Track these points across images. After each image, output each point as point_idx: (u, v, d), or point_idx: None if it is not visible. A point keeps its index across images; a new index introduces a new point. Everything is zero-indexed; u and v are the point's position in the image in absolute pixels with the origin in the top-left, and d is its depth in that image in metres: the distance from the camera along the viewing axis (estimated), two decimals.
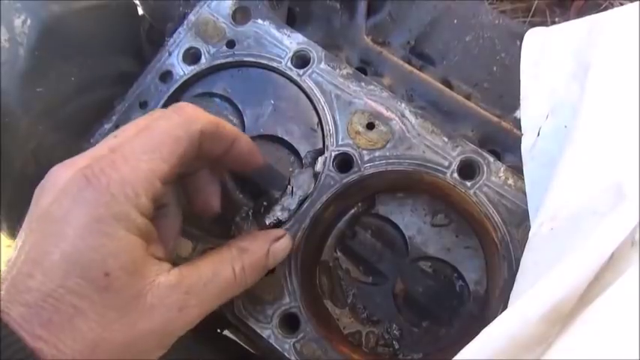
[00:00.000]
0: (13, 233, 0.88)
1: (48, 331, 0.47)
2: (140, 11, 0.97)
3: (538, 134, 0.67)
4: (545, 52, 0.73)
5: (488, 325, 0.45)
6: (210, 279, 0.56)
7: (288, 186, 0.73)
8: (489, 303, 0.69)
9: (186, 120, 0.56)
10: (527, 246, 0.59)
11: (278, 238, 0.65)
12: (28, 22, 0.73)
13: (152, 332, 0.51)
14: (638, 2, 0.66)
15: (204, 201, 0.65)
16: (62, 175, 0.51)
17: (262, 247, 0.63)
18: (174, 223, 0.61)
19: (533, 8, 1.54)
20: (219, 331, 0.94)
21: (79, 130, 0.83)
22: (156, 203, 0.53)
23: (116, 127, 0.81)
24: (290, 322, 0.69)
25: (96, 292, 0.48)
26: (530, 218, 0.63)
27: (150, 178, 0.52)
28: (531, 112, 0.70)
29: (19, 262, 0.49)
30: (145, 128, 0.55)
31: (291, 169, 0.75)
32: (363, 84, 0.74)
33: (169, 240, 0.60)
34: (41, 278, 0.48)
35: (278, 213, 0.72)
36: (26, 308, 0.47)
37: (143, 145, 0.53)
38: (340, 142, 0.72)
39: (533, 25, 0.97)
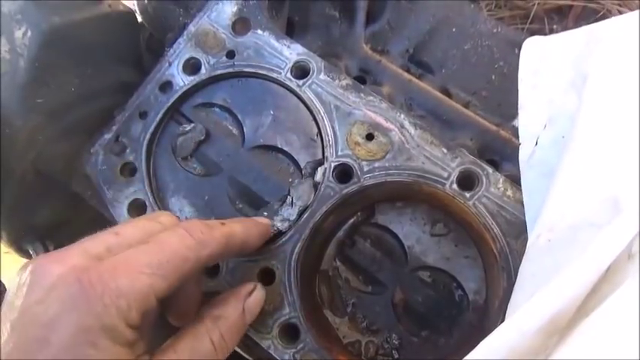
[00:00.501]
0: (12, 241, 0.88)
1: None
2: (140, 20, 0.97)
3: (536, 144, 0.68)
4: (544, 62, 0.73)
5: (487, 337, 0.46)
6: (188, 354, 0.55)
7: (288, 197, 0.73)
8: (488, 313, 0.70)
9: (198, 243, 0.56)
10: (524, 257, 0.59)
11: (250, 293, 0.64)
12: (29, 33, 0.74)
13: None
14: (635, 12, 0.66)
15: (183, 312, 0.62)
16: (53, 271, 0.49)
17: (236, 308, 0.62)
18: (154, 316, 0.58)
19: (532, 15, 1.55)
20: None
21: (79, 140, 0.84)
22: (146, 316, 0.52)
23: (116, 137, 0.81)
24: (290, 333, 0.69)
25: None
26: (528, 227, 0.63)
27: (147, 293, 0.51)
28: (529, 121, 0.70)
29: None
30: (153, 240, 0.54)
31: (290, 180, 0.75)
32: (362, 95, 0.74)
33: (149, 328, 0.57)
34: None
35: (278, 224, 0.72)
36: None
37: (150, 258, 0.52)
38: (340, 153, 0.72)
39: (531, 31, 0.97)
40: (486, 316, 0.71)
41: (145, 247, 0.53)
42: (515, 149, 0.72)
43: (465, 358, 0.46)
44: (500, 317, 0.64)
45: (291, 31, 0.93)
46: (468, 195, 0.68)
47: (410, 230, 0.76)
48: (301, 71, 0.77)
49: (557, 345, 0.45)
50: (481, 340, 0.47)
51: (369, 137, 0.72)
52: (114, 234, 0.55)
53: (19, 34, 0.73)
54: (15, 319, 0.48)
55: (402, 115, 0.73)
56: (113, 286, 0.49)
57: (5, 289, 0.70)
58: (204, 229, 0.58)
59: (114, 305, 0.48)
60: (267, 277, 0.71)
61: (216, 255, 0.58)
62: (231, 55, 0.80)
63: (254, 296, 0.64)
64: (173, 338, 0.57)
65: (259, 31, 0.80)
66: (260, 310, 0.65)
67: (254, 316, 0.64)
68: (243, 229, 0.63)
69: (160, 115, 0.80)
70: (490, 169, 0.69)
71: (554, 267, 0.51)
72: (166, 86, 0.82)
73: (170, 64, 0.82)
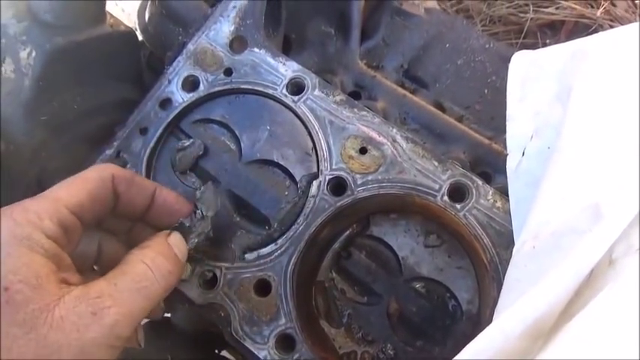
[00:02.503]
0: None
1: None
2: (140, 38, 1.00)
3: (523, 154, 0.69)
4: (531, 75, 0.75)
5: (472, 341, 0.47)
6: (121, 278, 0.56)
7: (197, 211, 0.70)
8: (481, 322, 0.71)
9: (98, 166, 0.64)
10: (510, 263, 0.61)
11: (169, 234, 0.65)
12: (33, 54, 0.76)
13: (67, 343, 0.49)
14: (620, 28, 0.68)
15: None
16: None
17: (160, 241, 0.63)
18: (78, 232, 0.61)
19: (525, 30, 1.57)
20: (217, 351, 0.96)
21: (81, 156, 0.86)
22: (65, 228, 0.56)
23: (117, 152, 0.83)
24: (286, 343, 0.71)
25: None
26: (514, 236, 0.65)
27: (54, 204, 0.56)
28: (517, 132, 0.72)
29: None
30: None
31: (286, 193, 0.77)
32: (355, 110, 0.76)
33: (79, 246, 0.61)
34: None
35: (195, 239, 0.68)
36: None
37: (53, 188, 0.59)
38: (334, 167, 0.74)
39: (524, 46, 1.00)
40: (479, 325, 0.72)
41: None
42: None
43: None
44: None
45: (288, 48, 0.95)
46: (458, 207, 0.70)
47: (404, 241, 0.77)
48: (296, 87, 0.79)
49: (542, 349, 0.46)
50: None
51: (363, 151, 0.74)
52: None
53: (23, 54, 0.76)
54: None
55: (395, 130, 0.75)
56: (20, 208, 0.54)
57: None
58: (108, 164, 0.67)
59: (24, 219, 0.53)
60: (263, 289, 0.73)
61: (123, 178, 0.64)
62: (228, 72, 0.82)
63: (173, 235, 0.65)
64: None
65: (256, 49, 0.82)
66: (185, 249, 0.65)
67: (181, 251, 0.64)
68: (151, 181, 0.70)
69: (159, 131, 0.82)
70: (480, 182, 0.70)
71: (538, 273, 0.52)
72: (166, 103, 0.84)
73: (170, 82, 0.84)
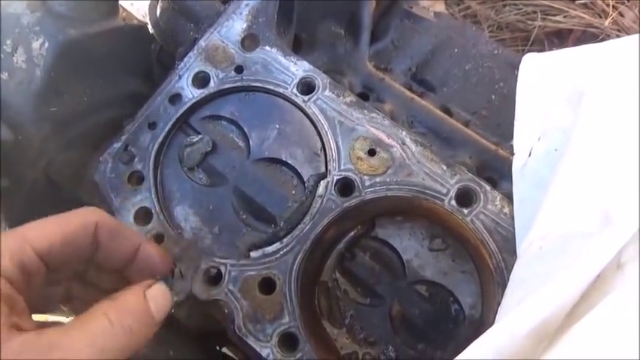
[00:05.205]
0: None
1: None
2: (151, 30, 1.00)
3: (529, 155, 0.70)
4: (541, 77, 0.76)
5: (477, 339, 0.47)
6: (77, 330, 0.52)
7: (176, 270, 0.68)
8: (484, 327, 0.71)
9: (85, 210, 0.60)
10: (516, 263, 0.61)
11: (151, 285, 0.60)
12: (46, 44, 0.76)
13: None
14: (633, 36, 0.68)
15: None
16: None
17: (136, 293, 0.58)
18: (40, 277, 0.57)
19: (532, 38, 1.58)
20: (218, 348, 0.96)
21: (89, 149, 0.86)
22: (26, 271, 0.53)
23: (125, 146, 0.84)
24: (289, 342, 0.71)
25: None
26: (517, 234, 0.65)
27: (20, 243, 0.53)
28: (524, 133, 0.73)
29: None
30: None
31: (294, 192, 0.77)
32: (365, 112, 0.77)
33: (39, 292, 0.58)
34: None
35: (174, 299, 0.63)
36: None
37: (27, 224, 0.56)
38: (342, 167, 0.74)
39: None
40: (482, 330, 0.72)
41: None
42: None
43: (456, 358, 0.48)
44: None
45: (298, 47, 0.95)
46: (465, 211, 0.70)
47: (409, 244, 0.78)
48: (307, 87, 0.80)
49: (546, 350, 0.46)
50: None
51: (371, 153, 0.74)
52: None
53: (36, 45, 0.76)
54: None
55: (404, 132, 0.75)
56: None
57: None
58: (94, 208, 0.61)
59: None
60: (268, 287, 0.73)
61: (107, 226, 0.60)
62: (239, 69, 0.83)
63: (156, 286, 0.60)
64: None
65: (267, 48, 0.83)
66: (168, 304, 0.61)
67: (161, 306, 0.59)
68: (139, 233, 0.65)
69: (168, 126, 0.83)
70: (488, 187, 0.71)
71: (545, 273, 0.52)
72: (176, 98, 0.84)
73: (180, 77, 0.84)
